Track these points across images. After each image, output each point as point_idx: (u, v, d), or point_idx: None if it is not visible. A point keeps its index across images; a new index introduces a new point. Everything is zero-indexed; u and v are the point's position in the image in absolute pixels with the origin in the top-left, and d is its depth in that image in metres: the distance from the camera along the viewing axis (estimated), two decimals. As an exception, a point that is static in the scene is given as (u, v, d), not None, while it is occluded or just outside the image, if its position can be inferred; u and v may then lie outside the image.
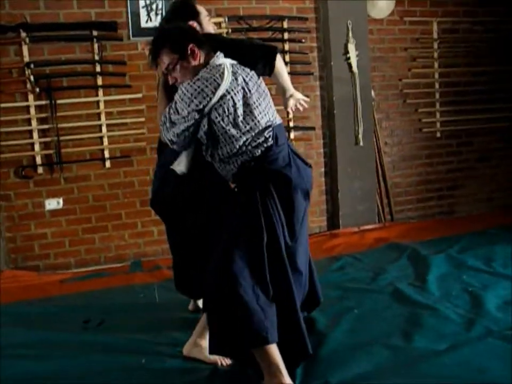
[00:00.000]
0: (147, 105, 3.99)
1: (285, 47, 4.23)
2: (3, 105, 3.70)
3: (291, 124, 4.31)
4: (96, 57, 3.85)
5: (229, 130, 1.96)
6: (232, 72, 1.98)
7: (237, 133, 1.97)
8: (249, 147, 1.99)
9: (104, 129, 3.93)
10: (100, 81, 3.89)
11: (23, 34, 3.69)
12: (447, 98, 4.73)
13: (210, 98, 1.91)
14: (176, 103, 1.97)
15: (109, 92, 3.93)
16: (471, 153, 4.82)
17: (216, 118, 1.95)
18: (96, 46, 3.84)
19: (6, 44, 3.70)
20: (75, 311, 2.99)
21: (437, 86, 4.71)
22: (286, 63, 4.22)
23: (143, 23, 3.94)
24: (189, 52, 1.98)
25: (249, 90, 2.00)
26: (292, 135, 4.32)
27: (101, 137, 3.92)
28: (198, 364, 2.23)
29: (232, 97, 1.94)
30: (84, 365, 2.31)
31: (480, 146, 4.83)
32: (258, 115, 2.00)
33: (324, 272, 3.36)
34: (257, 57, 2.19)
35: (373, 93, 4.44)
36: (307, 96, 4.19)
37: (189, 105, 1.91)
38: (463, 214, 4.78)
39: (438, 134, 4.73)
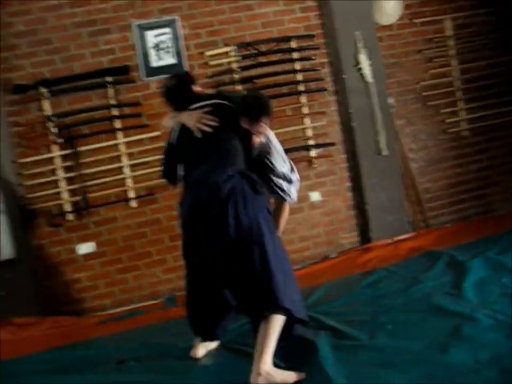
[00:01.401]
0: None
1: (296, 66, 4.24)
2: (29, 159, 3.88)
3: (310, 142, 4.29)
4: (112, 102, 3.99)
5: None
6: None
7: None
8: None
9: (127, 170, 4.02)
10: (117, 124, 4.01)
11: (43, 89, 3.87)
12: (470, 95, 4.58)
13: None
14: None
15: (128, 133, 4.04)
16: (501, 148, 4.62)
17: None
18: (110, 91, 3.98)
19: (27, 102, 3.88)
20: (112, 352, 3.00)
21: (457, 84, 4.57)
22: (298, 82, 4.24)
23: (154, 63, 4.05)
24: None
25: None
26: (313, 153, 4.29)
27: (124, 178, 4.02)
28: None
29: None
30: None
31: (510, 139, 4.63)
32: None
33: (356, 288, 3.29)
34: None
35: (391, 99, 4.37)
36: (323, 113, 4.27)
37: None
38: (500, 212, 4.56)
39: (464, 133, 4.58)
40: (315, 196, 4.34)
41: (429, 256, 3.66)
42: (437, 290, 2.95)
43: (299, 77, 4.25)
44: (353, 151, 4.33)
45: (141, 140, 4.05)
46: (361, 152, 4.27)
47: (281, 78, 4.23)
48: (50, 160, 3.91)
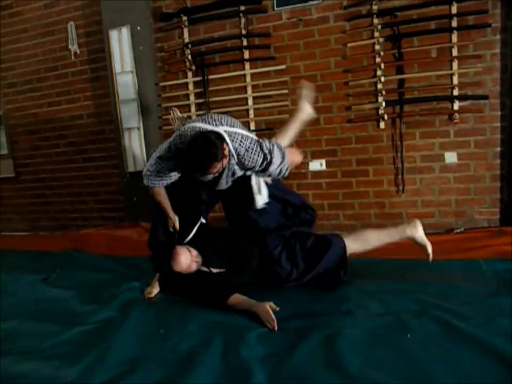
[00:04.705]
0: (291, 76, 3.90)
1: (452, -5, 3.42)
2: (168, 83, 4.23)
3: (455, 92, 3.51)
4: (243, 32, 3.96)
5: None
6: None
7: None
8: None
9: (250, 101, 4.04)
10: (246, 54, 3.99)
11: (184, 18, 4.08)
12: None
13: None
14: None
15: (255, 64, 4.00)
16: None
17: None
18: (242, 20, 3.94)
19: (171, 29, 4.17)
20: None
21: None
22: (451, 16, 3.43)
23: (287, -9, 3.81)
24: None
25: None
26: (457, 106, 3.52)
27: (247, 110, 4.05)
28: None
29: None
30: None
31: None
32: None
33: (427, 278, 2.74)
34: None
35: None
36: (479, 56, 3.41)
37: None
38: None
39: None
40: (451, 157, 3.62)
41: None
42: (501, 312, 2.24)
43: (454, 9, 3.43)
44: (512, 109, 3.40)
45: (267, 72, 3.97)
46: (522, 111, 3.32)
47: (430, 11, 3.49)
48: (185, 85, 4.20)
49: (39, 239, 4.79)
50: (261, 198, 2.77)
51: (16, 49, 4.89)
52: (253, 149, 2.56)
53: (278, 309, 2.35)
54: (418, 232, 2.67)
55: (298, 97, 2.99)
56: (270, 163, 2.59)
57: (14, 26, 4.86)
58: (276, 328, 2.23)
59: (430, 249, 2.69)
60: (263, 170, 2.63)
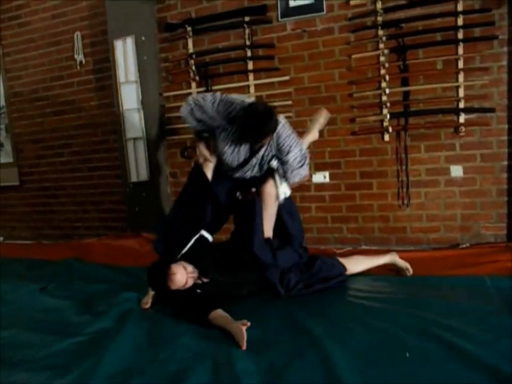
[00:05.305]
0: (295, 87, 3.87)
1: (458, 7, 3.38)
2: (172, 93, 4.23)
3: (461, 105, 3.45)
4: (247, 42, 3.94)
5: None
6: None
7: None
8: None
9: (254, 113, 4.01)
10: (250, 65, 3.97)
11: (188, 28, 4.08)
12: None
13: None
14: None
15: (259, 75, 3.98)
16: None
17: None
18: (247, 31, 3.92)
19: (176, 39, 4.17)
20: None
21: None
22: (457, 28, 3.39)
23: (292, 3, 3.79)
24: None
25: None
26: (462, 119, 3.46)
27: (251, 121, 4.02)
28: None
29: None
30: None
31: None
32: None
33: (429, 294, 2.67)
34: None
35: None
36: (486, 69, 3.36)
37: None
38: None
39: None
40: (457, 171, 3.55)
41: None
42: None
43: (460, 20, 3.38)
44: (519, 122, 3.34)
45: (271, 83, 3.94)
46: (530, 124, 3.26)
47: (435, 22, 3.45)
48: (189, 96, 4.17)
49: (42, 247, 4.79)
50: (282, 192, 2.88)
51: (23, 58, 4.94)
52: (292, 137, 2.74)
53: (249, 324, 2.32)
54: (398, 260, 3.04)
55: (314, 121, 3.24)
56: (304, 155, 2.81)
57: (22, 36, 4.91)
58: (244, 348, 2.17)
59: (410, 267, 2.99)
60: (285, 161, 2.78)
